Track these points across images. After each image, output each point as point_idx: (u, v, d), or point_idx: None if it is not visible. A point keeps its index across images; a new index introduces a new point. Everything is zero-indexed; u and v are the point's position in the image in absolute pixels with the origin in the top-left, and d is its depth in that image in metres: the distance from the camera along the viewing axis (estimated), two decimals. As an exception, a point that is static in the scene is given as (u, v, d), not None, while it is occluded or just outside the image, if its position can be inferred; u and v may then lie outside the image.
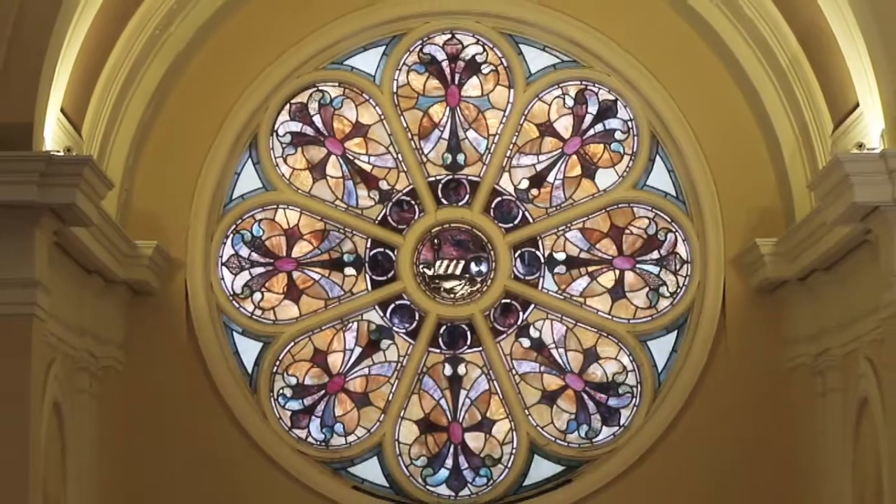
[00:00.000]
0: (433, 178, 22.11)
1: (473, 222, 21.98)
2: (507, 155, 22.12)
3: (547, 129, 22.12)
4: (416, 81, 22.26)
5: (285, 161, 22.15)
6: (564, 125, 22.11)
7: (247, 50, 22.05)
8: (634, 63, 21.92)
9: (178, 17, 21.57)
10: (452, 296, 22.09)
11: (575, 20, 21.86)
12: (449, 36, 22.24)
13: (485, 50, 22.22)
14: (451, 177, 22.17)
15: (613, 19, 21.95)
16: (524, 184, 22.12)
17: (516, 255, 22.05)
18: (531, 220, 22.08)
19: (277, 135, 22.12)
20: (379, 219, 22.08)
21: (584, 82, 22.15)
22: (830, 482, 20.54)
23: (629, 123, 22.06)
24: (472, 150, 22.13)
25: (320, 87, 22.22)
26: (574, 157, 22.11)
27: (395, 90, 22.16)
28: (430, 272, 22.09)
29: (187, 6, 21.61)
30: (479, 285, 22.05)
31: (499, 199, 22.08)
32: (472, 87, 22.22)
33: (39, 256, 17.32)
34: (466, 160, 22.15)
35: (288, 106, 22.19)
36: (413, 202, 22.12)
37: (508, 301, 22.07)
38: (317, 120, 22.21)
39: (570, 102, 22.16)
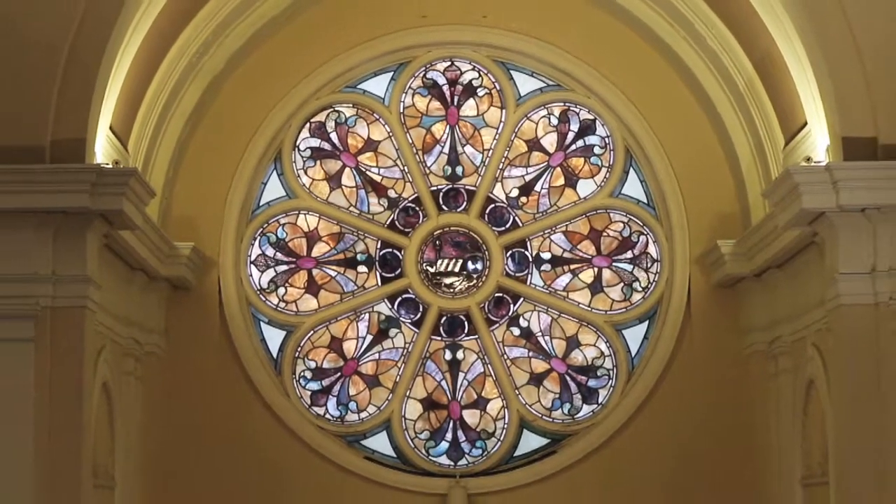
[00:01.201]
0: (435, 188, 22.12)
1: (470, 226, 21.99)
2: (500, 167, 22.14)
3: (534, 144, 22.15)
4: (420, 103, 22.19)
5: (306, 172, 22.09)
6: (549, 141, 22.12)
7: (272, 75, 21.91)
8: (611, 87, 21.89)
9: (212, 46, 21.49)
10: (452, 290, 22.06)
11: (559, 49, 21.85)
12: (448, 63, 22.21)
13: (480, 75, 22.20)
14: (450, 186, 22.16)
15: (593, 50, 21.89)
16: (514, 192, 22.10)
17: (508, 254, 22.03)
18: (521, 224, 22.08)
19: (299, 149, 22.08)
20: (387, 223, 22.04)
21: (566, 104, 22.14)
22: (783, 452, 20.52)
23: (606, 140, 22.07)
24: (468, 163, 22.13)
25: (336, 108, 22.13)
26: (558, 168, 22.13)
27: (401, 110, 22.10)
28: (432, 270, 22.06)
29: (221, 36, 21.47)
30: (475, 281, 22.02)
31: (492, 205, 22.09)
32: (468, 108, 22.19)
33: (91, 256, 17.32)
34: (464, 172, 22.15)
35: (308, 124, 22.10)
36: (417, 208, 22.09)
37: (501, 295, 22.05)
38: (333, 136, 22.15)
39: (554, 121, 22.19)
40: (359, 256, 22.21)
